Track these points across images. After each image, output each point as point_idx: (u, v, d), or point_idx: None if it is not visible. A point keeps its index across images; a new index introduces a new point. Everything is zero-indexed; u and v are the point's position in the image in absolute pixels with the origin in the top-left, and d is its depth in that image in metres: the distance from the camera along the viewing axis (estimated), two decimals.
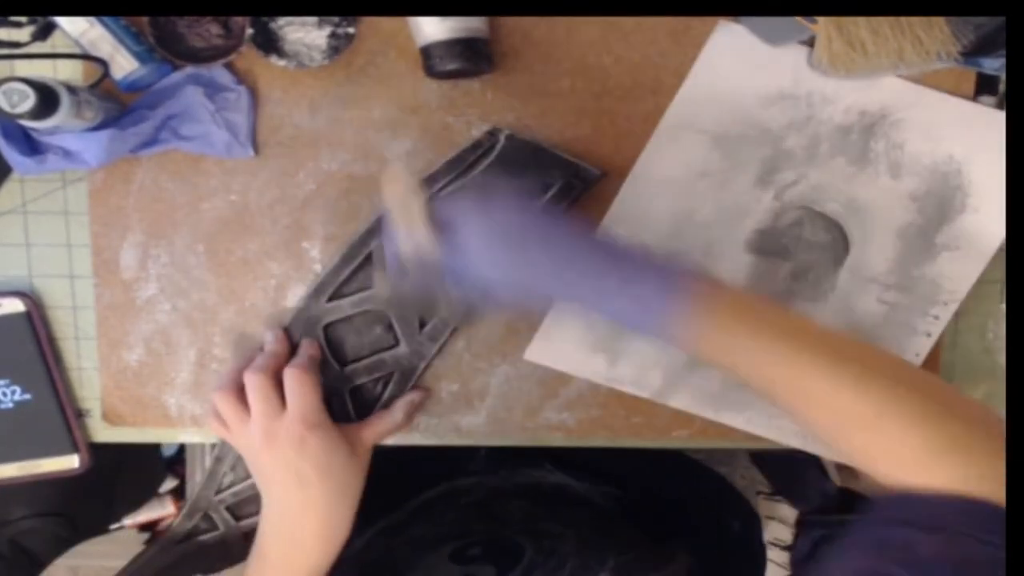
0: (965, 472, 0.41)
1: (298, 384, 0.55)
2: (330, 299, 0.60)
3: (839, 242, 0.60)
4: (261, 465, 0.55)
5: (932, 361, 0.62)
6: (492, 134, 0.58)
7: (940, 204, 0.60)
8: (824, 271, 0.61)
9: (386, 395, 0.61)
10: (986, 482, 0.40)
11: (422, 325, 0.60)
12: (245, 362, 0.57)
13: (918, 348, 0.61)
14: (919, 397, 0.44)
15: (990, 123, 0.58)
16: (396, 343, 0.61)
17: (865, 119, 0.59)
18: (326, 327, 0.60)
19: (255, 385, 0.54)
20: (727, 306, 0.47)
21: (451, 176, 0.58)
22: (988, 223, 0.59)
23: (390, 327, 0.60)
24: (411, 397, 0.61)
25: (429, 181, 0.58)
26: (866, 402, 0.44)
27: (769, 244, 0.60)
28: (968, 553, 0.38)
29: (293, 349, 0.60)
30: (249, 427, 0.55)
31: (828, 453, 0.65)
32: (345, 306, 0.60)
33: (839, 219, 0.60)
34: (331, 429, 0.55)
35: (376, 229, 0.59)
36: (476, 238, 0.47)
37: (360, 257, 0.60)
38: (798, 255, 0.60)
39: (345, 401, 0.61)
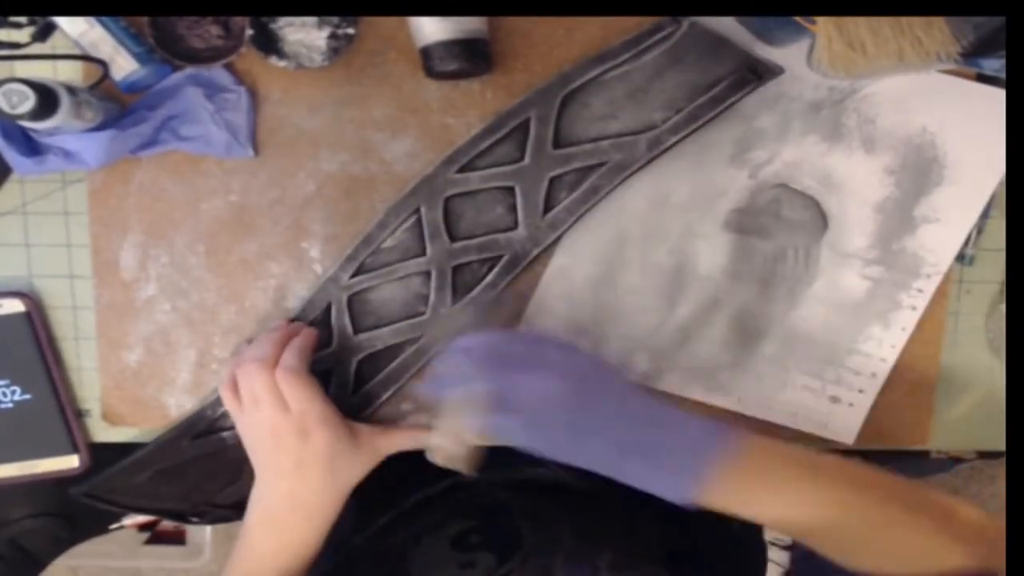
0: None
1: (293, 388, 0.54)
2: (461, 169, 0.58)
3: (817, 219, 0.60)
4: (263, 451, 0.55)
5: (931, 362, 0.62)
6: (677, 20, 0.56)
7: (916, 176, 0.60)
8: (805, 248, 0.61)
9: (489, 278, 0.59)
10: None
11: (547, 209, 0.59)
12: (278, 339, 0.57)
13: (904, 322, 0.61)
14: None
15: (960, 93, 0.58)
16: (515, 226, 0.59)
17: (835, 94, 0.59)
18: (447, 199, 0.59)
19: (264, 381, 0.54)
20: (760, 470, 0.47)
21: (623, 57, 0.56)
22: (966, 193, 0.59)
23: (512, 208, 0.59)
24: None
25: (598, 60, 0.56)
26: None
27: (748, 224, 0.60)
28: None
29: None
30: (258, 415, 0.55)
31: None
32: (474, 179, 0.58)
33: (816, 196, 0.60)
34: (338, 427, 0.55)
35: (534, 100, 0.57)
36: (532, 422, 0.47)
37: (506, 129, 0.57)
38: (778, 233, 0.60)
39: (446, 278, 0.60)
